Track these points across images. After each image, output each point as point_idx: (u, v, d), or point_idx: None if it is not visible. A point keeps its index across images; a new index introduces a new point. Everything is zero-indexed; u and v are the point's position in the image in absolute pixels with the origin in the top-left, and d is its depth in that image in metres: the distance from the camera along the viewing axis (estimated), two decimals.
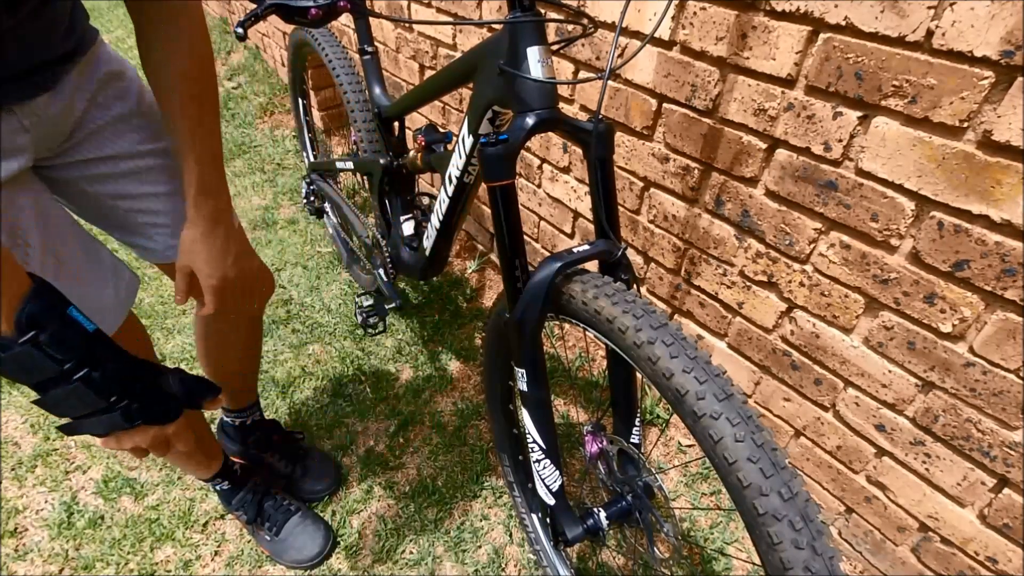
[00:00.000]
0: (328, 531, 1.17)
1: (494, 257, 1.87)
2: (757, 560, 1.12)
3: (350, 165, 1.42)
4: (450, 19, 1.50)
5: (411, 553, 1.17)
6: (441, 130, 1.12)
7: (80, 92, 0.69)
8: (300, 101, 1.89)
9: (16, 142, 0.62)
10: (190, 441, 0.64)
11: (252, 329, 1.07)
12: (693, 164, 1.07)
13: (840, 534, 1.13)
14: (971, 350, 0.80)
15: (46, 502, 1.26)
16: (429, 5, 1.56)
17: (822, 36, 0.80)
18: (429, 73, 1.72)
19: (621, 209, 1.29)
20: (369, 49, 1.29)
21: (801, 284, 0.99)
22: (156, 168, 0.78)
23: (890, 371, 0.91)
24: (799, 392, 1.08)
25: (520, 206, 1.59)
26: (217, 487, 1.15)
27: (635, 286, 0.77)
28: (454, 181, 0.95)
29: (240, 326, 1.03)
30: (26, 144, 0.63)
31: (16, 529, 1.21)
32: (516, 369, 0.78)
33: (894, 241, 0.83)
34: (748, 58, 0.90)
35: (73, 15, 0.66)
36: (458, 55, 1.54)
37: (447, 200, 0.99)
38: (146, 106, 0.77)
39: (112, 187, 0.76)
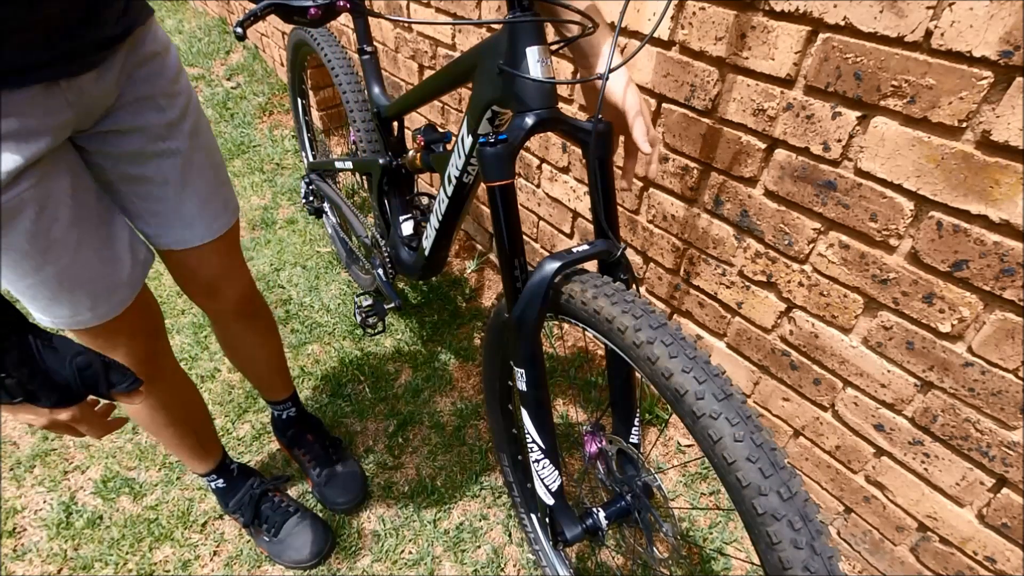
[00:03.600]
0: (327, 531, 1.17)
1: (493, 257, 1.87)
2: (756, 560, 1.12)
3: (349, 165, 1.42)
4: (449, 19, 1.50)
5: (410, 553, 1.17)
6: (440, 130, 1.12)
7: (123, 70, 0.70)
8: (299, 101, 1.88)
9: (59, 117, 0.64)
10: (101, 430, 0.65)
11: (267, 325, 1.12)
12: (692, 164, 1.07)
13: (839, 534, 1.13)
14: (970, 350, 0.81)
15: (44, 502, 1.26)
16: (428, 5, 1.56)
17: (821, 36, 0.80)
18: (428, 73, 1.72)
19: (620, 209, 1.29)
20: (368, 49, 1.29)
21: (800, 284, 0.99)
22: (166, 153, 0.78)
23: (889, 371, 0.92)
24: (798, 392, 1.09)
25: (519, 206, 1.59)
26: (212, 484, 1.16)
27: (634, 286, 0.77)
28: (453, 181, 0.95)
29: (253, 327, 1.09)
30: (69, 120, 0.65)
31: (15, 529, 1.21)
32: (515, 369, 0.78)
33: (893, 241, 0.83)
34: (747, 58, 0.90)
35: None
36: (457, 55, 1.53)
37: (446, 200, 0.99)
38: (176, 87, 0.77)
39: (121, 167, 0.77)
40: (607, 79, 0.69)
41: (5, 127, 0.59)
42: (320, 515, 1.21)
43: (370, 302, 1.40)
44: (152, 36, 0.74)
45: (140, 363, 0.87)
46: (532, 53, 0.68)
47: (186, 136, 0.79)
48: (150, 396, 0.94)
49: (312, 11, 0.63)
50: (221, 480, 1.15)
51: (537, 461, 0.83)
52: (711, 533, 1.19)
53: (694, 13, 0.94)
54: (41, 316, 0.73)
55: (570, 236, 1.49)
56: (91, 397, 0.63)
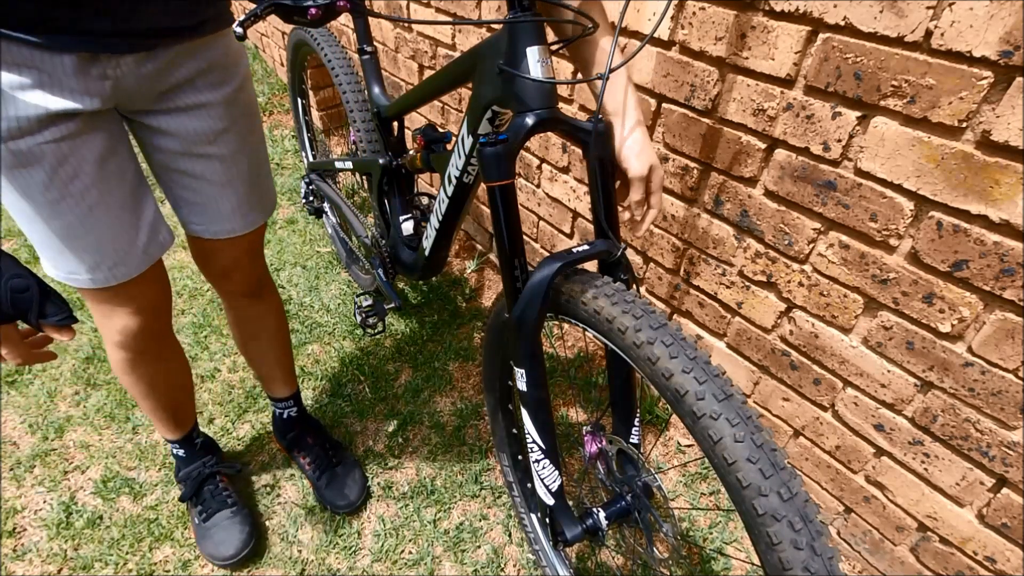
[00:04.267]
0: (251, 536, 1.14)
1: (493, 257, 1.87)
2: (756, 560, 1.12)
3: (349, 165, 1.42)
4: (449, 19, 1.50)
5: (410, 553, 1.17)
6: (440, 130, 1.12)
7: (180, 67, 0.73)
8: (299, 101, 1.88)
9: (96, 86, 0.66)
10: (23, 357, 0.67)
11: (275, 309, 1.14)
12: (692, 164, 1.07)
13: (839, 534, 1.13)
14: (970, 350, 0.81)
15: (44, 502, 1.26)
16: (428, 5, 1.56)
17: (821, 36, 0.80)
18: (428, 73, 1.72)
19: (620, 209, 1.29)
20: (368, 49, 1.29)
21: (800, 284, 0.99)
22: (211, 156, 0.81)
23: (889, 371, 0.92)
24: (798, 392, 1.09)
25: (519, 206, 1.59)
26: (174, 451, 1.18)
27: (634, 286, 0.77)
28: (453, 181, 0.95)
29: (261, 309, 1.11)
30: (105, 89, 0.68)
31: (15, 529, 1.21)
32: (515, 369, 0.78)
33: (893, 241, 0.83)
34: (747, 58, 0.90)
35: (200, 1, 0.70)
36: (457, 55, 1.53)
37: (446, 200, 0.99)
38: (239, 96, 0.80)
39: (166, 159, 0.80)
40: (607, 79, 0.69)
41: (38, 77, 0.62)
42: (252, 517, 1.18)
43: (370, 302, 1.40)
44: (224, 48, 0.76)
45: (134, 337, 0.89)
46: (532, 53, 0.68)
47: (234, 141, 0.82)
48: (137, 367, 0.96)
49: (312, 11, 0.63)
50: (183, 450, 1.17)
51: (537, 461, 0.83)
52: (711, 533, 1.19)
53: (694, 13, 0.94)
54: (49, 267, 0.77)
55: (570, 236, 1.49)
56: (25, 326, 0.64)
